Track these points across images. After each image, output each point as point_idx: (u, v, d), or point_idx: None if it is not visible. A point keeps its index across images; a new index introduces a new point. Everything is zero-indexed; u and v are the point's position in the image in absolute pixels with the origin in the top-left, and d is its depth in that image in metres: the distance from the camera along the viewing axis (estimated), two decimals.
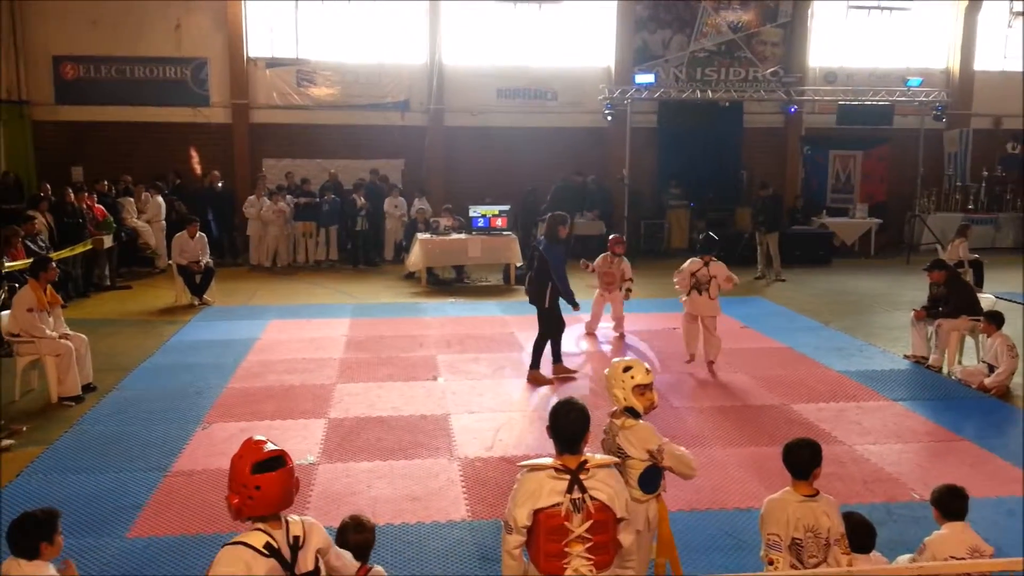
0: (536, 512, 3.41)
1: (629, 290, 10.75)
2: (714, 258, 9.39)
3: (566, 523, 3.40)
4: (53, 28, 17.09)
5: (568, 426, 3.52)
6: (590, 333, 10.90)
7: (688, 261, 9.60)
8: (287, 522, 3.19)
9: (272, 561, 3.08)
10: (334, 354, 9.86)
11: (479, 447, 6.99)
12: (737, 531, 5.51)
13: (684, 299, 9.46)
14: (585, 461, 3.49)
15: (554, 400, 8.02)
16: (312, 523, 3.28)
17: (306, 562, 3.19)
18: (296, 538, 3.17)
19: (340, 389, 8.53)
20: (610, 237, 11.26)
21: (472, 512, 5.78)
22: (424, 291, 14.04)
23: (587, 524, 3.41)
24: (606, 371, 4.38)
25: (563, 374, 8.99)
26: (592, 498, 3.43)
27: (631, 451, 4.13)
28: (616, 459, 3.61)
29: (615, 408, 4.31)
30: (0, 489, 6.01)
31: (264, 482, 3.09)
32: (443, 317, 12.00)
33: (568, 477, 3.44)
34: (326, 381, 8.79)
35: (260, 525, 3.15)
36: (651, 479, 4.19)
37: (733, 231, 17.59)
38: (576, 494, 3.42)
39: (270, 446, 3.19)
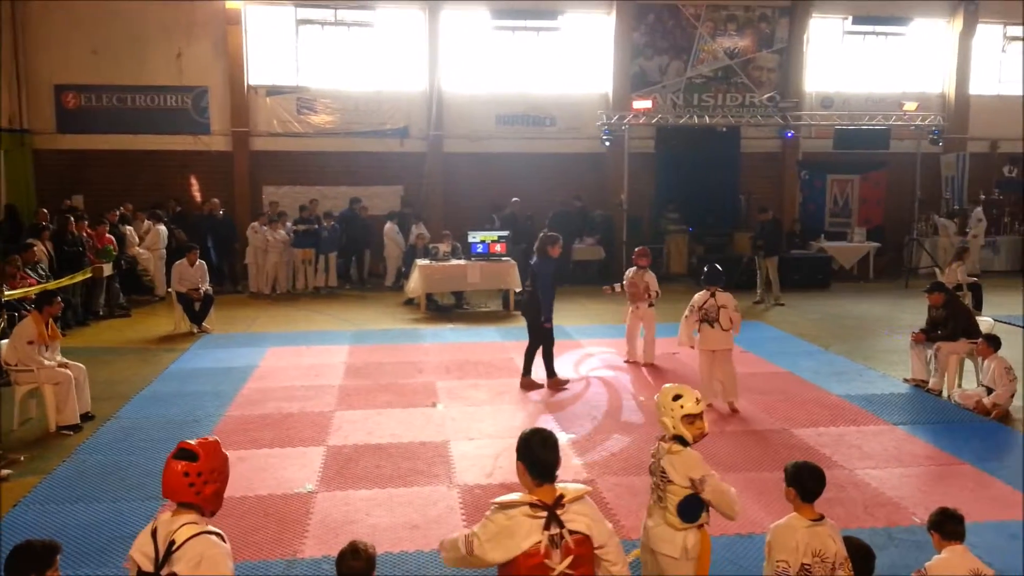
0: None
1: (651, 304, 10.55)
2: (719, 288, 8.79)
3: (546, 561, 3.29)
4: (55, 57, 17.23)
5: (546, 454, 3.41)
6: (628, 362, 10.71)
7: (696, 296, 9.25)
8: (181, 525, 3.20)
9: (150, 545, 3.21)
10: (333, 381, 9.84)
11: (479, 474, 6.97)
12: (738, 557, 5.49)
13: (696, 337, 8.84)
14: (561, 496, 3.37)
15: (553, 425, 8.10)
16: (198, 542, 3.17)
17: (171, 568, 3.16)
18: (171, 542, 3.17)
19: (339, 416, 8.51)
20: (635, 249, 11.04)
21: None
22: (423, 317, 14.04)
23: (567, 560, 3.30)
24: (656, 397, 4.29)
25: (558, 387, 9.48)
26: (571, 532, 3.31)
27: (673, 476, 4.09)
28: (588, 488, 3.51)
29: (664, 434, 4.23)
30: None
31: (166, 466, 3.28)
32: (442, 343, 12.00)
33: (545, 514, 3.32)
34: (325, 408, 8.77)
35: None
36: (690, 508, 4.11)
37: (731, 255, 17.62)
38: (554, 530, 3.30)
39: (195, 441, 3.32)
